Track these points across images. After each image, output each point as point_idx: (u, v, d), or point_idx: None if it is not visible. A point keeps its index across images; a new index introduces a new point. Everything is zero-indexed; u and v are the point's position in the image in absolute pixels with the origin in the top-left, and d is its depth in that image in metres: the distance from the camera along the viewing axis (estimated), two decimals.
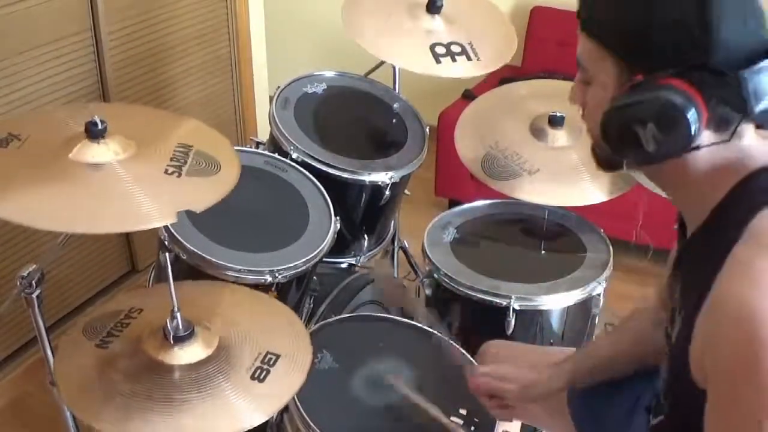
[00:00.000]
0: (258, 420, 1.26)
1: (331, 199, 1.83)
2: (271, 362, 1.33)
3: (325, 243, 1.74)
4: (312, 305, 1.90)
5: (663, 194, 1.29)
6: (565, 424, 1.42)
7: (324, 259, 1.78)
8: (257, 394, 1.29)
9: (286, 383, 1.31)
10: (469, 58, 1.94)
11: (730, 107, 0.91)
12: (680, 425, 1.05)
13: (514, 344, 1.71)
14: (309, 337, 1.41)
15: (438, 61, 1.91)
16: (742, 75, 0.89)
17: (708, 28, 0.90)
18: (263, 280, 1.62)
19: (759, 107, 0.91)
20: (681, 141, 0.92)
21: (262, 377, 1.30)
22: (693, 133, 0.91)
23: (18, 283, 1.39)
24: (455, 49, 1.93)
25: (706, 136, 0.94)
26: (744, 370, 0.86)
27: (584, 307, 1.84)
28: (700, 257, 0.96)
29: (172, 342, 1.31)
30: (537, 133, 1.89)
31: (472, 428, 1.42)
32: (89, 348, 1.36)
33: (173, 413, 1.24)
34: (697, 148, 0.94)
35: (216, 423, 1.25)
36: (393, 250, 2.34)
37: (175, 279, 1.37)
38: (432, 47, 1.92)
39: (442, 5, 1.97)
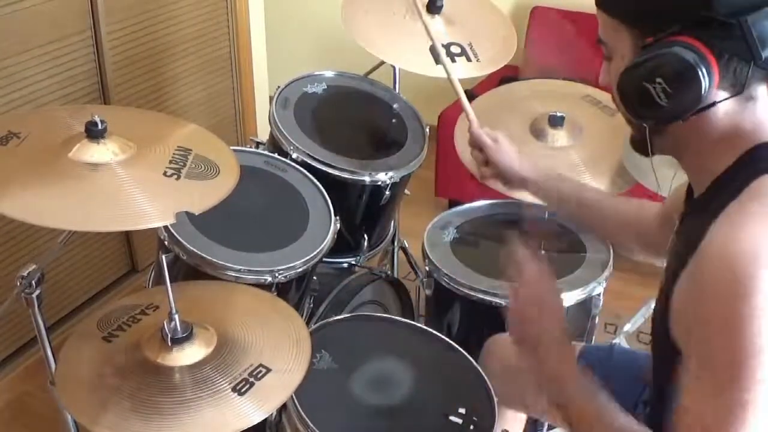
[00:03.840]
0: None
1: (331, 199, 1.82)
2: (259, 375, 1.27)
3: (325, 243, 1.74)
4: (312, 305, 1.90)
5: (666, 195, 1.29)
6: None
7: (324, 259, 1.78)
8: (230, 408, 1.22)
9: (264, 401, 1.24)
10: (468, 59, 1.94)
11: (738, 56, 0.92)
12: (661, 399, 1.05)
13: None
14: (309, 354, 1.35)
15: (437, 62, 1.91)
16: (745, 21, 0.90)
17: None
18: (263, 280, 1.62)
19: (766, 53, 0.91)
20: (693, 93, 0.93)
21: (243, 390, 1.25)
22: (705, 86, 0.92)
23: (18, 283, 1.39)
24: (455, 50, 1.93)
25: (721, 96, 0.95)
26: (726, 308, 0.86)
27: (584, 307, 1.84)
28: (697, 219, 0.98)
29: (169, 344, 1.31)
30: (537, 133, 1.89)
31: (472, 427, 1.42)
32: (96, 340, 1.36)
33: (160, 415, 1.21)
34: (713, 104, 0.95)
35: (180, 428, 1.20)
36: (393, 250, 2.35)
37: (175, 279, 1.36)
38: (432, 48, 1.92)
39: (442, 5, 1.96)
